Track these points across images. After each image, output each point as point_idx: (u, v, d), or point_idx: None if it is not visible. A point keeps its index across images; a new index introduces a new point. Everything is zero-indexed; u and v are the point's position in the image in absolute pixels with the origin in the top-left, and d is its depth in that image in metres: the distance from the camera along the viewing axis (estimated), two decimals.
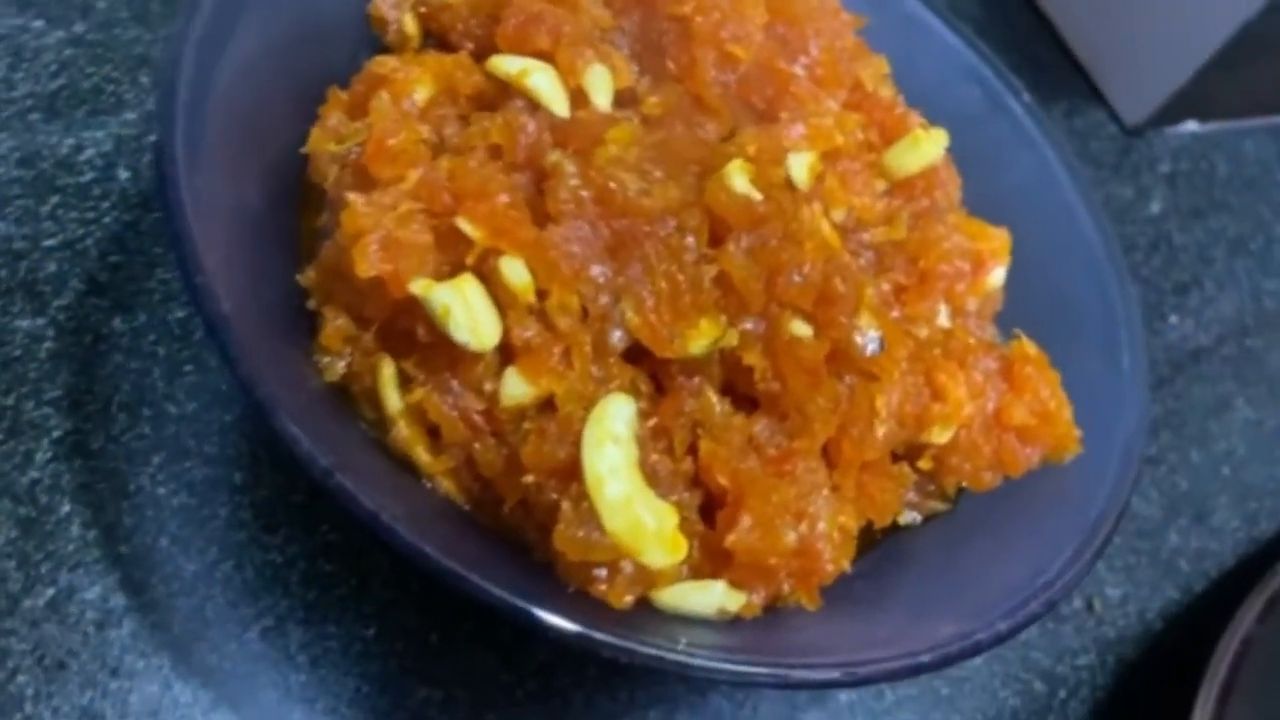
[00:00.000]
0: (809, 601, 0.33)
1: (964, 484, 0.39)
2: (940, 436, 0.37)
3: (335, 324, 0.34)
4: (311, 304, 0.35)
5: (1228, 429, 0.61)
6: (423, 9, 0.41)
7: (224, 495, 0.40)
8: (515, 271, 0.33)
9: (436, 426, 0.33)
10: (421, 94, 0.38)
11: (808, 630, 0.33)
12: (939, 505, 0.39)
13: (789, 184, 0.36)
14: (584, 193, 0.34)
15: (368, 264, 0.32)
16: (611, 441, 0.31)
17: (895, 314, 0.38)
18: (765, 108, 0.39)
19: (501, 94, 0.38)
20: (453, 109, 0.38)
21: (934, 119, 0.44)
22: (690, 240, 0.34)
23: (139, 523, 0.39)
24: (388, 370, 0.34)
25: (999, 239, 0.41)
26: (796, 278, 0.35)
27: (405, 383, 0.34)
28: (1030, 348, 0.39)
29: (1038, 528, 0.38)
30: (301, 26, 0.39)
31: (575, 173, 0.34)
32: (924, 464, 0.38)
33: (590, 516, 0.30)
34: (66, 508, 0.39)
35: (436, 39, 0.41)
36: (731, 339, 0.34)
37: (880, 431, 0.36)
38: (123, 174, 0.46)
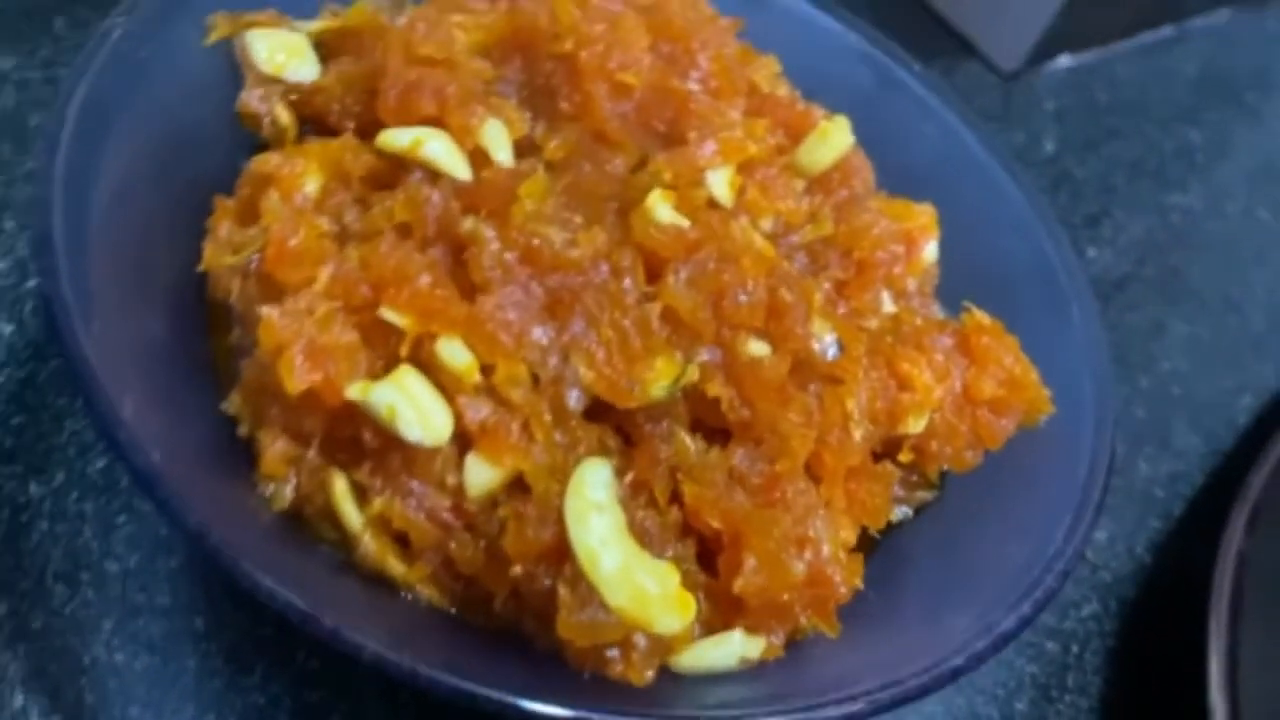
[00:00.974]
0: (829, 629, 0.32)
1: (947, 467, 0.38)
2: (916, 426, 0.36)
3: (274, 449, 0.31)
4: (243, 431, 0.33)
5: (1169, 349, 0.61)
6: (294, 96, 0.39)
7: (188, 646, 0.38)
8: (455, 353, 0.31)
9: (405, 533, 0.31)
10: (312, 185, 0.36)
11: (835, 659, 0.32)
12: (926, 494, 0.38)
13: (713, 203, 0.35)
14: (508, 255, 0.32)
15: (296, 378, 0.30)
16: (595, 511, 0.29)
17: (841, 310, 0.37)
18: (668, 130, 0.38)
19: (397, 170, 0.36)
20: (348, 194, 0.36)
21: (831, 108, 0.43)
22: (628, 282, 0.33)
23: (103, 697, 0.36)
24: (340, 485, 0.31)
25: (925, 214, 0.40)
26: (743, 297, 0.33)
27: (361, 494, 0.32)
28: (983, 317, 0.38)
29: (1030, 499, 0.37)
30: (172, 140, 0.37)
31: (495, 236, 0.32)
32: (904, 457, 0.37)
33: (591, 596, 0.29)
34: (20, 699, 0.36)
35: (314, 125, 0.39)
36: (693, 375, 0.32)
37: (857, 435, 0.35)
38: (5, 328, 0.43)
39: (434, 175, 0.35)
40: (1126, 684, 0.48)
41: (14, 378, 0.42)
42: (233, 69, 0.39)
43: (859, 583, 0.32)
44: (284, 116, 0.39)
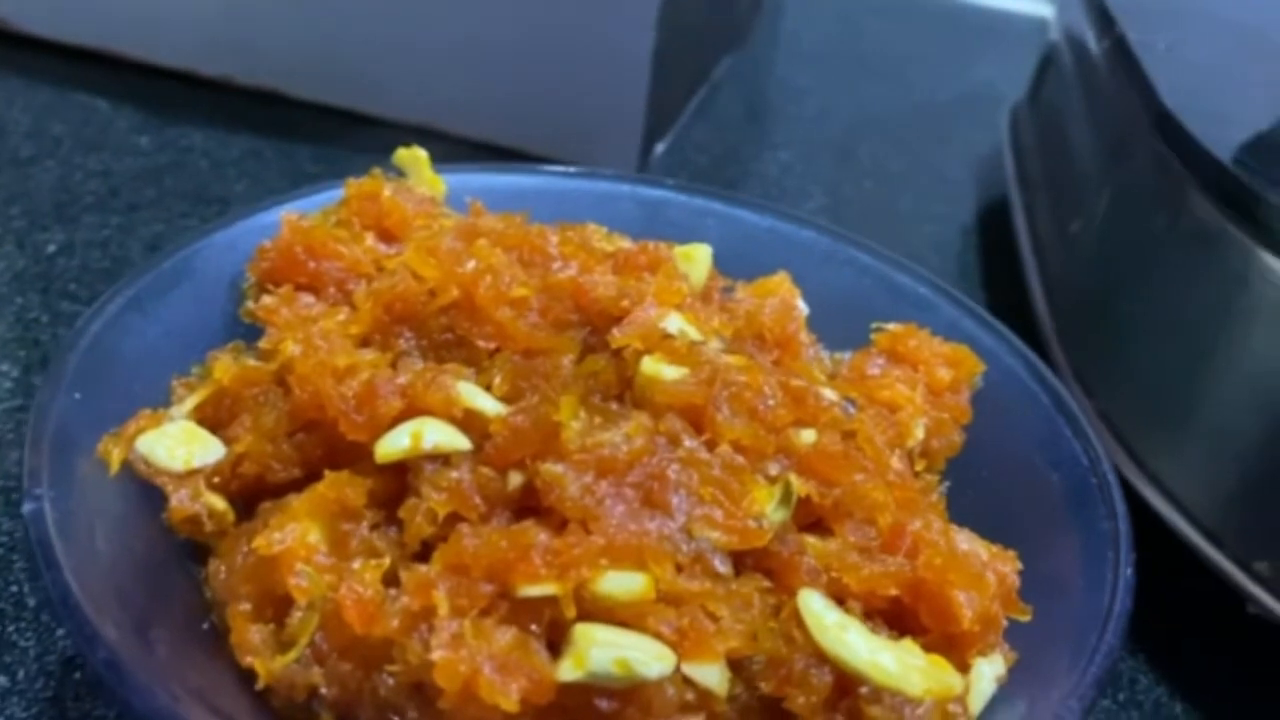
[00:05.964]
0: (1022, 614, 0.34)
1: (948, 456, 0.42)
2: (918, 434, 0.40)
3: None
4: None
5: None
6: (216, 479, 0.36)
7: None
8: (624, 583, 0.30)
9: None
10: (317, 539, 0.33)
11: (1038, 638, 0.34)
12: (943, 487, 0.42)
13: (693, 345, 0.36)
14: (587, 478, 0.32)
15: (510, 697, 0.28)
16: (843, 630, 0.30)
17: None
18: (580, 318, 0.39)
19: (395, 474, 0.34)
20: (357, 525, 0.34)
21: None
22: (689, 441, 0.34)
23: None
24: None
25: (783, 280, 0.44)
26: (770, 402, 0.35)
27: None
28: (895, 327, 0.43)
29: (1016, 437, 0.42)
30: (144, 583, 0.32)
31: (567, 468, 0.32)
32: (919, 466, 0.40)
33: (894, 699, 0.29)
34: None
35: (247, 495, 0.36)
36: (796, 484, 0.34)
37: (897, 464, 0.38)
38: None
39: (443, 459, 0.34)
40: None
41: None
42: (137, 485, 0.35)
43: (1019, 564, 0.35)
44: (219, 504, 0.35)
